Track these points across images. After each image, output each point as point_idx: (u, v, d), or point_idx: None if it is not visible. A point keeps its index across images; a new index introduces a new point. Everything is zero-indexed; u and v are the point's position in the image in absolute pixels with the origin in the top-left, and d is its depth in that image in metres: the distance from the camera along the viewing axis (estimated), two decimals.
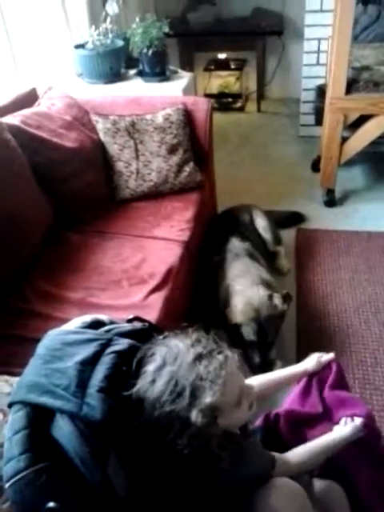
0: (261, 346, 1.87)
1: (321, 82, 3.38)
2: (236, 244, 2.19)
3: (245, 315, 1.86)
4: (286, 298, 1.92)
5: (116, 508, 0.91)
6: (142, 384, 0.97)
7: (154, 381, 0.96)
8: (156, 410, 0.93)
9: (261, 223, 2.44)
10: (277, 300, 1.90)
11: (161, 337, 1.06)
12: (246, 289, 1.94)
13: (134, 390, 0.96)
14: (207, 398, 0.93)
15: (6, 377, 1.18)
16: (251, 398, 1.06)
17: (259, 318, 1.86)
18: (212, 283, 2.09)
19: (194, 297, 2.12)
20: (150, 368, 0.97)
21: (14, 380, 1.13)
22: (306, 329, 2.09)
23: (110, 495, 0.90)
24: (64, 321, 1.25)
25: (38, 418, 0.93)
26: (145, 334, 1.12)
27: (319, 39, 3.36)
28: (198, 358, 0.97)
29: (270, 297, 1.91)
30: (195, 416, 0.92)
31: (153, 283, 1.71)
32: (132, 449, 0.95)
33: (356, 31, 2.96)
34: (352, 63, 2.59)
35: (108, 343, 1.06)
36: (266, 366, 1.85)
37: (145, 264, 1.80)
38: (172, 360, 0.97)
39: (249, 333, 1.86)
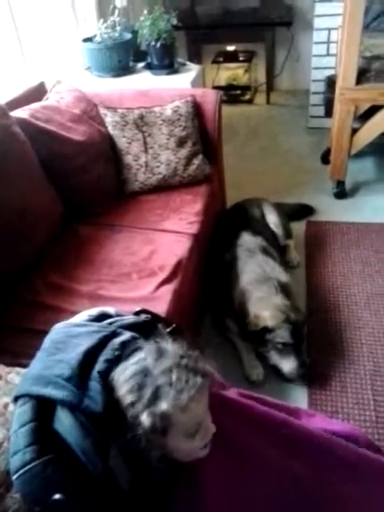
0: (296, 348, 1.81)
1: (330, 72, 3.34)
2: (248, 239, 2.16)
3: (276, 319, 1.80)
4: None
5: (120, 500, 0.92)
6: (116, 371, 0.95)
7: (126, 369, 0.94)
8: (116, 396, 0.92)
9: (272, 219, 2.41)
10: (300, 307, 1.92)
11: (158, 337, 1.04)
12: (268, 296, 1.89)
13: (110, 377, 0.95)
14: (164, 405, 0.89)
15: (17, 369, 1.20)
16: (207, 440, 0.98)
17: (290, 319, 1.81)
18: (225, 281, 2.07)
19: (204, 292, 2.12)
20: (132, 360, 0.96)
21: (25, 371, 1.15)
22: (316, 321, 2.08)
23: (114, 487, 0.90)
24: (74, 313, 1.26)
25: (43, 411, 0.94)
26: (148, 327, 1.12)
27: (329, 29, 3.33)
28: (177, 366, 0.93)
29: (294, 306, 1.89)
30: (146, 417, 0.88)
31: (162, 276, 1.71)
32: (132, 440, 0.94)
33: (367, 20, 2.91)
34: (362, 53, 2.55)
35: (111, 335, 1.06)
36: (305, 368, 1.80)
37: (154, 256, 1.80)
38: (153, 359, 0.94)
39: (284, 335, 1.79)
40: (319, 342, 1.98)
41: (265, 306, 1.85)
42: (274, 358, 1.83)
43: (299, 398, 1.78)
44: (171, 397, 0.89)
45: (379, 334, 1.99)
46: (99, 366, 0.97)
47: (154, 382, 0.90)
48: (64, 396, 0.92)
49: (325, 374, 1.84)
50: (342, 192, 2.90)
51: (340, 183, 2.89)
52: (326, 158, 3.18)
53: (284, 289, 1.94)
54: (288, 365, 1.80)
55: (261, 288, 1.93)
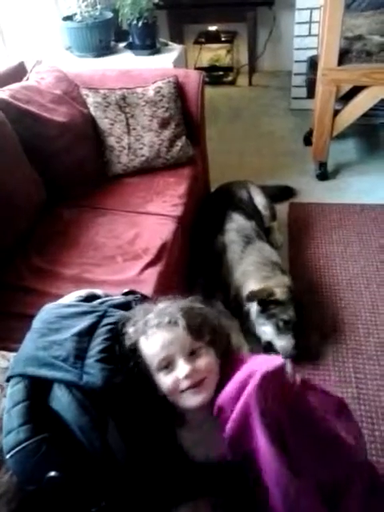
0: (298, 328, 1.84)
1: (313, 53, 3.34)
2: (243, 223, 2.16)
3: (285, 295, 1.84)
4: None
5: (115, 475, 0.93)
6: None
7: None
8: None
9: (260, 201, 2.41)
10: None
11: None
12: (274, 276, 1.93)
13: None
14: (131, 328, 1.03)
15: (2, 352, 1.19)
16: (185, 382, 0.97)
17: (295, 299, 1.86)
18: (216, 262, 2.07)
19: (189, 273, 2.13)
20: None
21: (10, 355, 1.14)
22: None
23: (110, 462, 0.92)
24: (59, 297, 1.26)
25: (36, 390, 0.95)
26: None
27: (311, 9, 3.32)
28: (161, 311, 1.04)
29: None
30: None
31: (147, 258, 1.71)
32: (129, 415, 0.97)
33: (348, 0, 2.91)
34: (344, 33, 2.55)
35: (103, 315, 1.08)
36: (297, 351, 1.81)
37: (139, 239, 1.80)
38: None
39: (290, 312, 1.82)
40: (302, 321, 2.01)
41: (274, 284, 1.88)
42: (271, 333, 1.84)
43: None
44: (139, 325, 1.02)
45: (360, 314, 2.03)
46: (95, 345, 0.99)
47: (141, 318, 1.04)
48: (63, 376, 0.94)
49: (308, 353, 1.87)
50: (324, 174, 2.92)
51: (322, 165, 2.90)
52: (308, 140, 3.19)
53: (283, 273, 1.99)
54: (283, 341, 1.81)
55: (265, 269, 1.96)
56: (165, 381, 0.98)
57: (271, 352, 1.85)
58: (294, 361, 1.83)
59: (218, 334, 1.06)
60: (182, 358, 0.97)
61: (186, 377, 0.96)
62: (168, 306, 1.04)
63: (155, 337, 0.99)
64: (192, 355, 0.99)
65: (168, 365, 0.98)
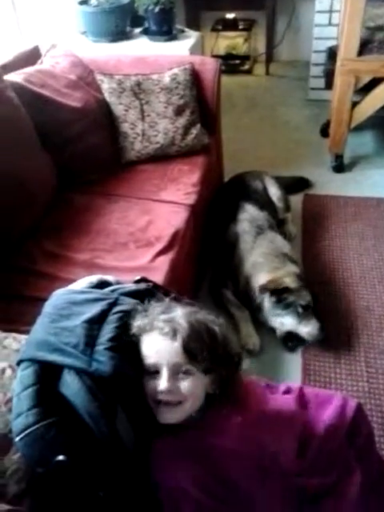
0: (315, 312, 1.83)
1: (332, 43, 3.28)
2: (255, 214, 2.15)
3: (296, 283, 1.84)
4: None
5: (123, 461, 0.93)
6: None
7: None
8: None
9: (275, 192, 2.39)
10: None
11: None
12: (283, 266, 1.93)
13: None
14: (138, 322, 1.02)
15: (14, 334, 1.19)
16: (164, 399, 0.98)
17: (308, 286, 1.85)
18: (227, 252, 2.06)
19: (201, 262, 2.12)
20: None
21: (22, 337, 1.15)
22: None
23: (118, 448, 0.92)
24: (70, 281, 1.26)
25: (46, 375, 0.95)
26: (149, 294, 1.14)
27: None
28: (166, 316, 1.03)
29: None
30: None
31: (159, 246, 1.70)
32: (137, 402, 0.98)
33: None
34: (366, 23, 2.50)
35: (114, 303, 1.07)
36: (324, 333, 1.81)
37: (151, 227, 1.79)
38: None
39: (307, 297, 1.82)
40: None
41: (283, 274, 1.87)
42: (291, 322, 1.82)
43: (293, 368, 1.80)
44: (147, 322, 1.02)
45: (373, 308, 2.01)
46: (105, 333, 0.99)
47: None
48: (73, 362, 0.94)
49: (319, 345, 1.85)
50: (340, 166, 2.88)
51: (338, 157, 2.87)
52: (325, 131, 3.15)
53: (293, 262, 1.98)
54: (308, 327, 1.81)
55: (275, 260, 1.95)
56: (148, 384, 0.99)
57: (291, 342, 1.85)
58: (305, 354, 1.83)
59: (222, 367, 1.03)
60: (168, 372, 0.98)
61: (162, 392, 0.97)
62: (179, 316, 1.02)
63: (153, 339, 1.00)
64: (181, 374, 0.99)
65: (155, 372, 0.99)
